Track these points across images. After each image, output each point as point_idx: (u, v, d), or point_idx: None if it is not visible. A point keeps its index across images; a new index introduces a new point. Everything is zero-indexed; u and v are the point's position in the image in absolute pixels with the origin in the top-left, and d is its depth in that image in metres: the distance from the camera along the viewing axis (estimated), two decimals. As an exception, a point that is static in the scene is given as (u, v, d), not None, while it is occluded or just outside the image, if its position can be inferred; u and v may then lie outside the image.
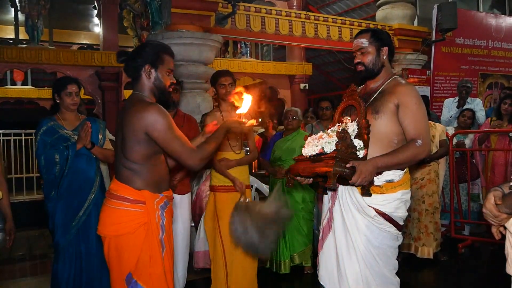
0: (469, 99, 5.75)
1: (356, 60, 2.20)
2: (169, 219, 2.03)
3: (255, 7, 5.63)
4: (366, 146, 1.97)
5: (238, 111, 2.15)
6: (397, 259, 2.19)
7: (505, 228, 1.52)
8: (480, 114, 5.57)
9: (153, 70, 1.99)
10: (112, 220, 1.95)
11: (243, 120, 2.10)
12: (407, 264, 4.03)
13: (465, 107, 5.47)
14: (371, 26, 6.47)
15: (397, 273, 2.18)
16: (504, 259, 1.54)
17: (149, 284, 1.90)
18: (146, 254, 1.91)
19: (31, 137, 7.19)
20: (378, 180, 2.04)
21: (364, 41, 2.17)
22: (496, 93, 7.21)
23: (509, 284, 1.55)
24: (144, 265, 1.90)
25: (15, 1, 9.78)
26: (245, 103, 2.14)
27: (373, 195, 2.02)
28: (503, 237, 1.55)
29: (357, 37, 2.22)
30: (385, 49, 2.18)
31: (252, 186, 4.56)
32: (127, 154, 1.94)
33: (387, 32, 2.26)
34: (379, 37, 2.19)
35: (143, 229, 1.92)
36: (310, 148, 1.94)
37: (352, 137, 1.95)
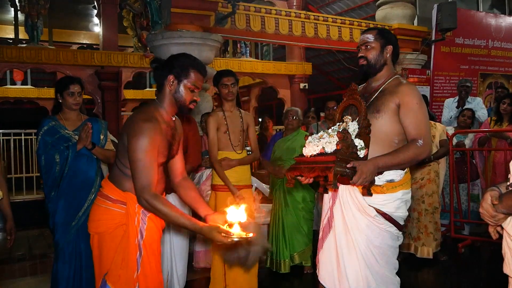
0: (469, 99, 5.72)
1: (360, 54, 2.21)
2: (151, 224, 1.97)
3: (254, 7, 5.64)
4: (367, 146, 1.97)
5: (229, 218, 1.83)
6: (397, 259, 2.19)
7: (502, 228, 1.52)
8: (481, 113, 5.54)
9: (175, 82, 1.94)
10: (94, 216, 1.99)
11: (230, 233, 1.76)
12: (407, 264, 4.03)
13: (465, 106, 5.46)
14: (371, 25, 6.47)
15: (397, 273, 2.18)
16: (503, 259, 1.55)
17: (116, 286, 1.89)
18: (119, 256, 1.90)
19: (31, 137, 7.19)
20: (379, 180, 2.04)
21: (370, 37, 2.19)
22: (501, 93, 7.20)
23: (508, 284, 1.56)
24: (115, 266, 1.90)
25: (15, 1, 9.75)
26: (240, 213, 1.84)
27: (373, 195, 2.02)
28: (502, 237, 1.55)
29: (364, 33, 2.24)
30: (390, 48, 2.19)
31: (252, 186, 4.56)
32: (119, 155, 1.98)
33: (395, 35, 2.29)
34: (385, 35, 2.21)
35: (120, 230, 1.92)
36: (311, 147, 1.94)
37: (353, 136, 1.95)
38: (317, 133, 2.05)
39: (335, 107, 4.33)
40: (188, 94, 1.96)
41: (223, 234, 1.77)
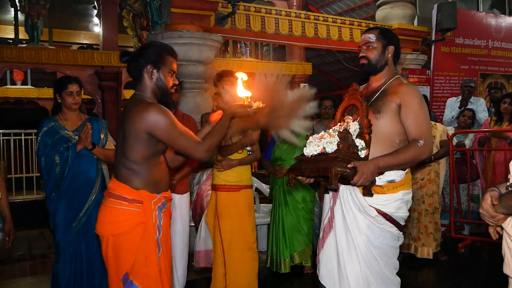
0: (472, 99, 5.71)
1: (361, 54, 2.20)
2: (166, 220, 2.04)
3: (255, 7, 5.63)
4: (367, 146, 1.97)
5: (241, 95, 2.04)
6: (397, 259, 2.19)
7: (502, 228, 1.52)
8: (482, 116, 5.51)
9: (155, 71, 1.98)
10: (109, 219, 1.97)
11: (248, 103, 2.01)
12: (407, 264, 4.03)
13: (467, 107, 5.45)
14: (371, 25, 6.47)
15: (397, 273, 2.18)
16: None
17: (144, 284, 1.91)
18: (142, 254, 1.91)
19: (31, 137, 7.19)
20: (380, 180, 2.04)
21: (371, 36, 2.18)
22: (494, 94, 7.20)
23: (508, 284, 1.56)
24: (140, 265, 1.91)
25: (15, 1, 9.75)
26: (244, 85, 2.06)
27: (374, 195, 2.02)
28: (502, 237, 1.56)
29: (366, 32, 2.23)
30: (391, 48, 2.19)
31: (252, 186, 4.57)
32: (127, 153, 1.95)
33: (397, 35, 2.28)
34: (387, 35, 2.20)
35: (140, 229, 1.93)
36: (312, 147, 1.94)
37: (354, 137, 1.95)
38: (313, 132, 2.05)
39: (330, 106, 4.32)
40: (169, 79, 2.03)
41: (245, 108, 1.99)
